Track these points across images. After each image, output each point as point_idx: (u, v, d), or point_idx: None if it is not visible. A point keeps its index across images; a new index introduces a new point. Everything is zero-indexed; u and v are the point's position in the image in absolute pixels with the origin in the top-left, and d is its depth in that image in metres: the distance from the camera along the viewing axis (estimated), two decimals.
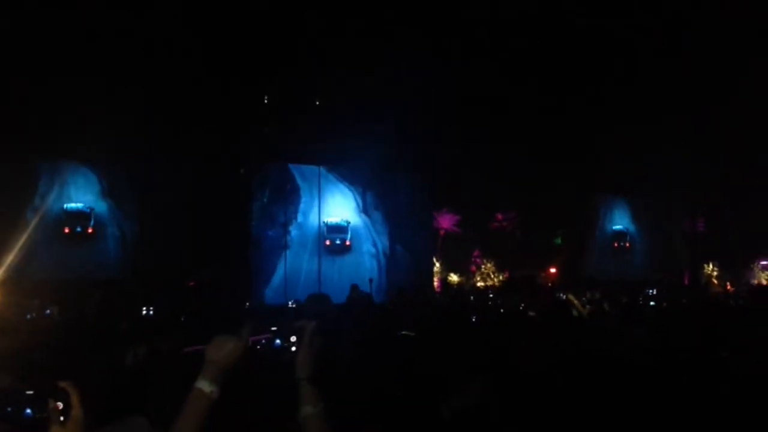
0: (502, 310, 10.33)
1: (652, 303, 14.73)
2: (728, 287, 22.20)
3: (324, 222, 24.23)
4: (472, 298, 16.14)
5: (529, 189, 26.65)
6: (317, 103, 24.16)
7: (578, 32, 23.63)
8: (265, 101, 23.98)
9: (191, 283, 20.09)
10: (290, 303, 14.04)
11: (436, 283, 25.06)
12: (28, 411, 2.01)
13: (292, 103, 23.80)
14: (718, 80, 23.09)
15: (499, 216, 29.52)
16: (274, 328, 2.59)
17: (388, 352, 4.81)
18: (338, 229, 24.46)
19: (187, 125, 21.30)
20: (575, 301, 8.95)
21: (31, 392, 2.02)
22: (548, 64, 24.19)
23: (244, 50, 21.68)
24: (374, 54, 22.89)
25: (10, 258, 19.31)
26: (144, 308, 10.00)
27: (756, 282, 24.97)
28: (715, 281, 25.90)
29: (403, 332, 6.09)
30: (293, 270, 22.77)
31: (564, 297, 10.28)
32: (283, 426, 2.50)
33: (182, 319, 7.91)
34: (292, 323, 2.51)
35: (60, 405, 1.99)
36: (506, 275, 25.75)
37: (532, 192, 26.65)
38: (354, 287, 14.91)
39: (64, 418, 1.99)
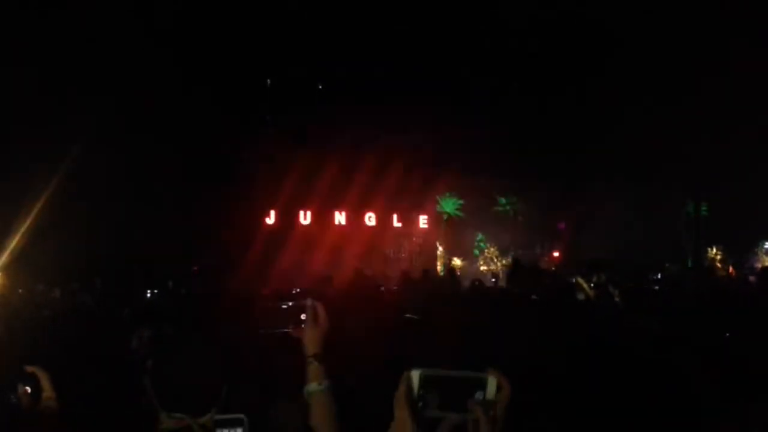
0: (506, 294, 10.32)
1: (656, 287, 14.71)
2: (731, 271, 22.15)
3: None
4: (476, 282, 16.07)
5: (530, 174, 26.63)
6: (320, 87, 24.12)
7: (573, 21, 23.59)
8: (268, 85, 23.91)
9: (195, 269, 20.08)
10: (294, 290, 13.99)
11: (439, 267, 25.08)
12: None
13: (293, 88, 23.78)
14: (716, 62, 23.00)
15: (502, 200, 29.53)
16: (284, 306, 2.57)
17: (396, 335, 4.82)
18: None
19: (188, 112, 21.27)
20: (584, 285, 8.93)
21: None
22: (546, 51, 24.13)
23: (245, 35, 21.60)
24: (374, 42, 22.88)
25: (14, 242, 19.33)
26: (148, 292, 10.03)
27: (760, 266, 24.89)
28: (719, 265, 25.84)
29: (407, 315, 6.12)
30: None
31: (573, 280, 10.25)
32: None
33: (187, 302, 7.93)
34: (302, 302, 2.56)
35: (28, 389, 1.98)
36: (509, 259, 25.72)
37: (534, 177, 26.65)
38: (359, 271, 14.88)
39: (36, 402, 1.97)
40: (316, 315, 2.52)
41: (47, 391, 2.01)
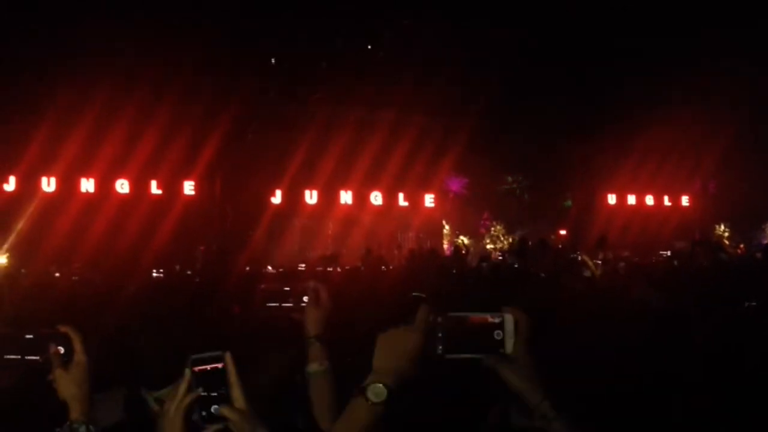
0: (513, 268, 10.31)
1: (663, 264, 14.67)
2: (741, 248, 22.06)
3: None
4: (484, 264, 16.09)
5: (537, 151, 26.53)
6: (324, 65, 24.01)
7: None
8: (272, 62, 23.81)
9: (201, 248, 20.14)
10: (300, 266, 14.04)
11: (446, 246, 25.09)
12: (29, 356, 2.00)
13: (298, 66, 23.69)
14: (725, 40, 22.82)
15: (509, 179, 29.43)
16: (287, 288, 2.56)
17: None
18: None
19: (195, 90, 21.23)
20: (589, 262, 8.92)
21: (30, 336, 2.00)
22: (555, 28, 23.95)
23: (250, 11, 21.46)
24: (383, 18, 22.75)
25: (20, 225, 19.42)
26: (154, 272, 10.05)
27: (766, 242, 24.80)
28: (727, 242, 25.76)
29: (415, 293, 6.08)
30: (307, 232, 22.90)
31: (579, 257, 10.23)
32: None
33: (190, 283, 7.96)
34: (304, 284, 2.57)
35: (61, 350, 1.97)
36: (516, 237, 25.73)
37: (541, 154, 26.55)
38: (369, 251, 14.93)
39: (68, 363, 1.96)
40: (318, 296, 2.51)
41: (79, 353, 2.00)
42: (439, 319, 1.70)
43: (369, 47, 24.89)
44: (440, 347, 1.69)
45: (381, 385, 1.71)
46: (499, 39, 23.27)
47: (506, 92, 24.64)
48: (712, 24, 23.07)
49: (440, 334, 1.69)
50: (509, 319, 1.72)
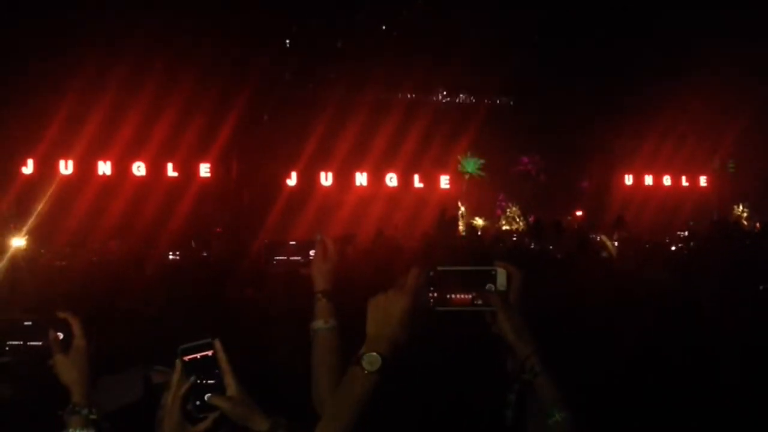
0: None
1: (680, 245, 14.57)
2: (757, 228, 21.82)
3: None
4: (501, 245, 16.01)
5: (554, 132, 26.36)
6: (339, 45, 23.94)
7: None
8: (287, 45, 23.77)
9: (218, 229, 20.21)
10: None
11: (461, 227, 25.01)
12: (28, 342, 2.01)
13: (313, 47, 23.64)
14: (744, 19, 22.52)
15: (525, 159, 29.26)
16: (292, 243, 2.52)
17: None
18: None
19: (210, 73, 21.24)
20: (607, 242, 8.86)
21: (29, 323, 2.02)
22: (573, 7, 23.72)
23: None
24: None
25: (38, 207, 19.56)
26: (170, 254, 10.09)
27: None
28: (745, 222, 25.51)
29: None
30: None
31: (598, 238, 10.17)
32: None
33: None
34: (312, 239, 2.51)
35: (60, 335, 1.99)
36: (532, 219, 25.64)
37: (557, 135, 26.38)
38: (380, 232, 14.87)
39: (67, 348, 1.99)
40: (325, 249, 2.42)
41: (78, 337, 2.02)
42: (431, 273, 1.69)
43: (384, 28, 24.81)
44: (431, 300, 1.70)
45: (375, 353, 1.68)
46: (516, 20, 23.08)
47: (522, 73, 24.47)
48: (730, 2, 22.78)
49: (431, 288, 1.69)
50: (501, 273, 1.71)
